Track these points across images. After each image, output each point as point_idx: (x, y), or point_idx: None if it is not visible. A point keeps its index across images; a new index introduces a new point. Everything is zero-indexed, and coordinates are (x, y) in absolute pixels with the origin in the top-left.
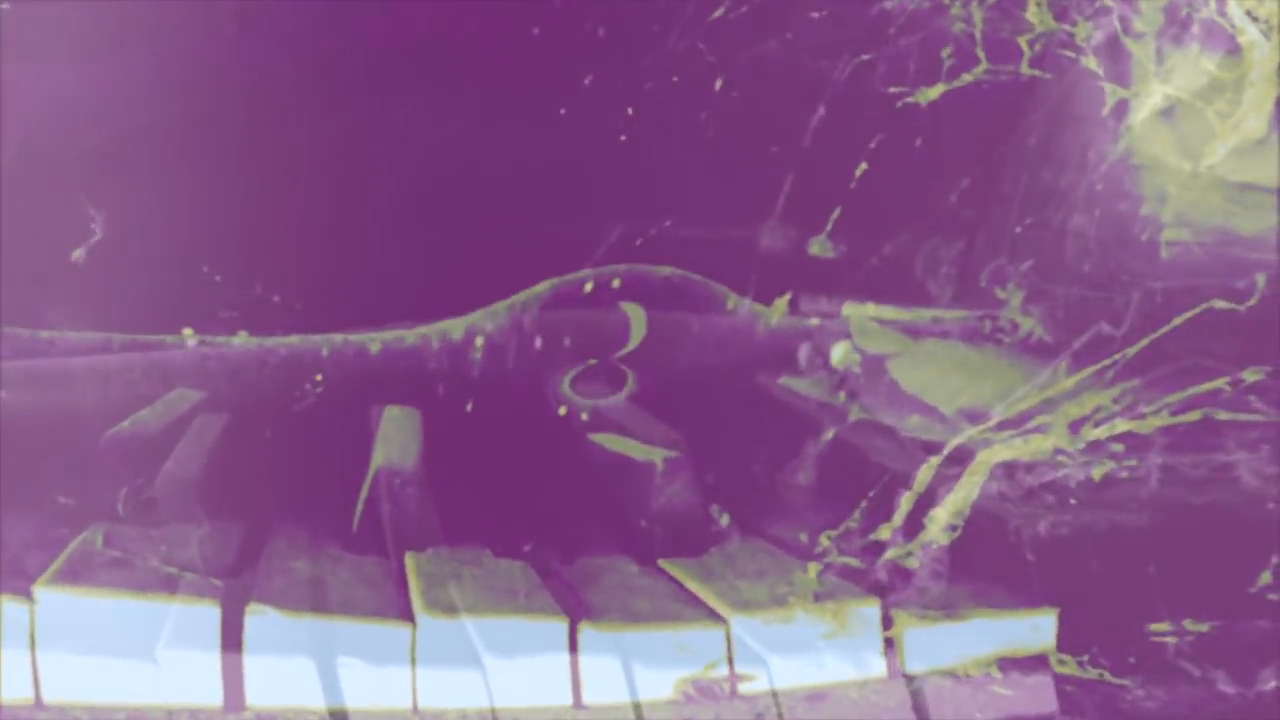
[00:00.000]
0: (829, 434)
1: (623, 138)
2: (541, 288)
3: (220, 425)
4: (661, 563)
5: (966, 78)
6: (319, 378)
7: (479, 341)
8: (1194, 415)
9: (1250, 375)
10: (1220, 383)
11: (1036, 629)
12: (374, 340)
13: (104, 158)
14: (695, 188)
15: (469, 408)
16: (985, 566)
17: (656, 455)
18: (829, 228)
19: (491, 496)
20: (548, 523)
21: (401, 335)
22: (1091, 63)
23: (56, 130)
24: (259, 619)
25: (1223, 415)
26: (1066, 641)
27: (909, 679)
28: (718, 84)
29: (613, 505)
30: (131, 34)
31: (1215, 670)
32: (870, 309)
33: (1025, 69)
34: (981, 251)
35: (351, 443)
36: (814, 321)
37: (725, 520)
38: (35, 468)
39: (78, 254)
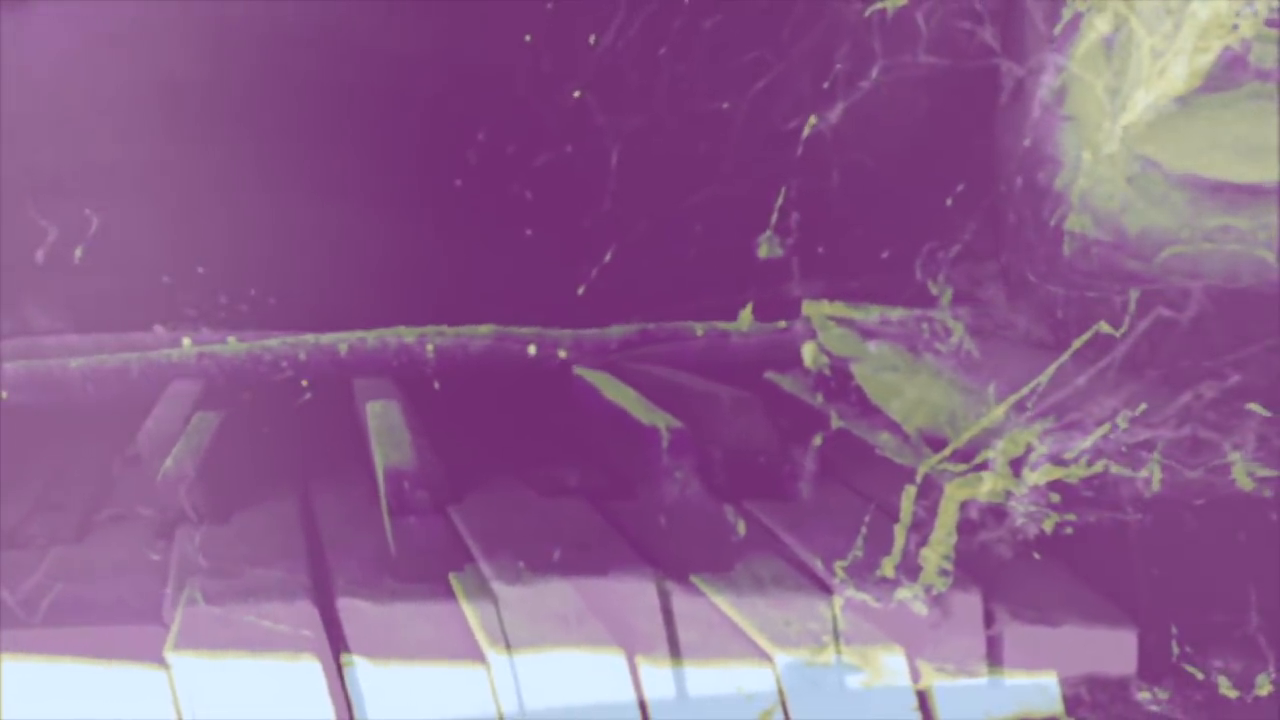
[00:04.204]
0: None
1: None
2: (485, 330)
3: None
4: (693, 579)
5: None
6: (305, 383)
7: (430, 348)
8: (1099, 466)
9: (1122, 420)
10: (1104, 430)
11: (1043, 690)
12: (341, 342)
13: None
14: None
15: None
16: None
17: (659, 420)
18: (774, 220)
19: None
20: (564, 524)
21: (363, 336)
22: None
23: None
24: (353, 671)
25: (1116, 469)
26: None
27: None
28: None
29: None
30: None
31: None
32: (826, 306)
33: None
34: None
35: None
36: (781, 324)
37: (742, 528)
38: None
39: (78, 253)
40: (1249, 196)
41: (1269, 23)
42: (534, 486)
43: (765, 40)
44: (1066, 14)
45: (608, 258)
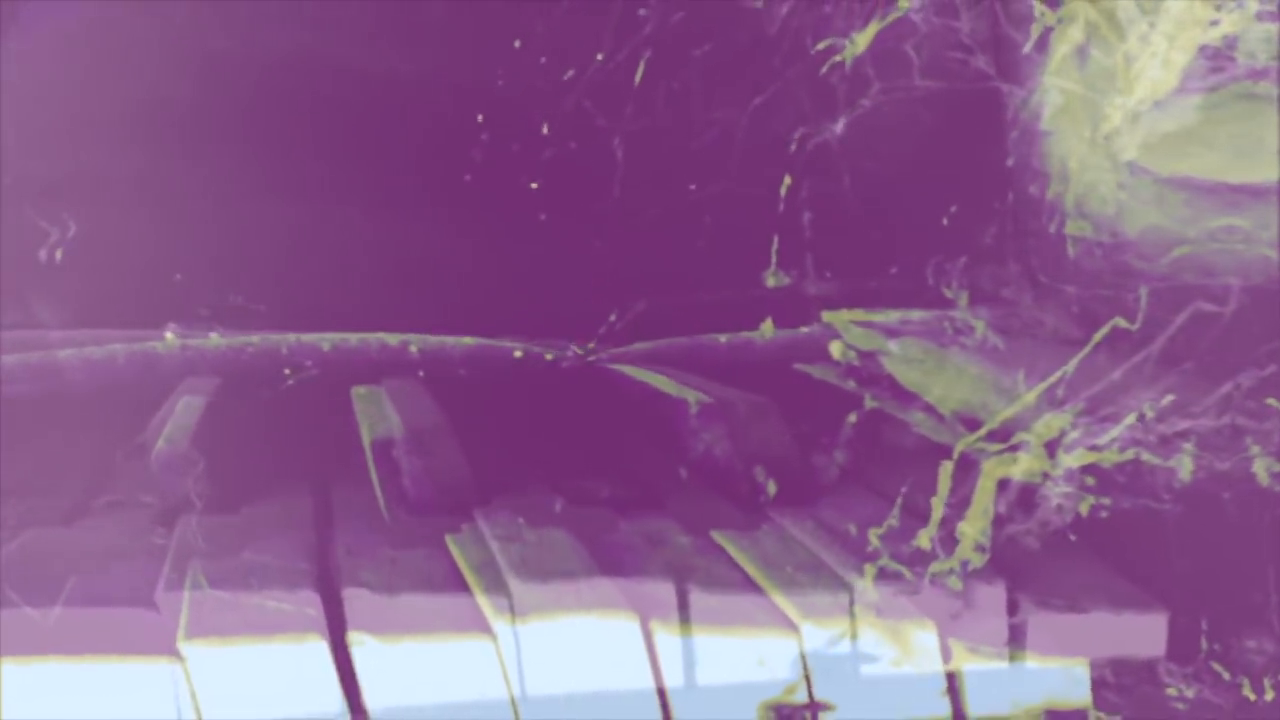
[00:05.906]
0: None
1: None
2: (469, 340)
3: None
4: (715, 535)
5: (903, 2)
6: (287, 372)
7: (413, 348)
8: (1130, 454)
9: (1148, 409)
10: (1131, 419)
11: (1073, 679)
12: (324, 340)
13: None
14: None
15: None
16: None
17: (689, 395)
18: (774, 258)
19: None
20: (571, 477)
21: (346, 337)
22: None
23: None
24: (361, 650)
25: (1148, 458)
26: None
27: None
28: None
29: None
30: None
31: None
32: (844, 313)
33: None
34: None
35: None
36: (804, 330)
37: (772, 489)
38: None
39: (58, 254)
40: (1249, 197)
41: (1260, 16)
42: (564, 494)
43: (758, 68)
44: (1035, 30)
45: (613, 318)
